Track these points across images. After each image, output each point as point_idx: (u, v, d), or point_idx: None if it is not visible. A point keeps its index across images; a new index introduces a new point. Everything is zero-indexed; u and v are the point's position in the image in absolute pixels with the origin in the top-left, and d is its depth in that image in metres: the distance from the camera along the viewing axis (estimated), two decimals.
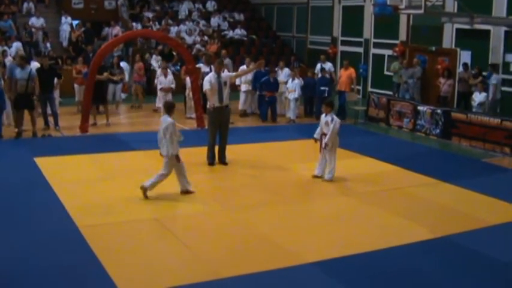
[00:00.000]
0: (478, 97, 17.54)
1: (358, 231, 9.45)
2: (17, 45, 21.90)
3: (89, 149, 14.37)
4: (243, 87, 19.45)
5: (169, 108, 10.94)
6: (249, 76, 18.84)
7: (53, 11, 27.72)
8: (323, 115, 12.20)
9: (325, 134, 11.96)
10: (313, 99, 19.29)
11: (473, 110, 17.25)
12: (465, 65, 19.28)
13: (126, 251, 8.31)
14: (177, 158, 10.69)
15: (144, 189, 10.63)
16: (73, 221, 9.31)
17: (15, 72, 15.21)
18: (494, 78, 18.31)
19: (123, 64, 20.91)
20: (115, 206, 10.22)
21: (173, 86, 18.89)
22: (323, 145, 11.94)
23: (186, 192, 10.86)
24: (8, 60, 18.96)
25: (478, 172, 13.65)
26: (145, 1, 29.59)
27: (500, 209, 10.77)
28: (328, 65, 21.10)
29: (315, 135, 12.22)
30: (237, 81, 18.60)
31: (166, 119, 10.69)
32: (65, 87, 18.72)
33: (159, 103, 19.23)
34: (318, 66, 21.13)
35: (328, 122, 11.90)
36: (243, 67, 18.85)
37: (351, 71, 19.94)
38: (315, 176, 12.20)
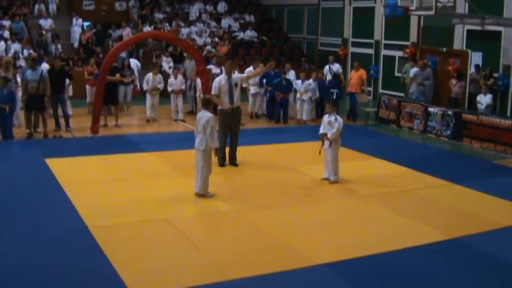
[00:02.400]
0: (483, 99, 17.46)
1: (369, 232, 9.44)
2: (15, 47, 22.00)
3: (100, 150, 14.42)
4: (252, 90, 19.42)
5: (206, 104, 11.05)
6: (257, 78, 18.80)
7: (64, 12, 27.82)
8: (326, 115, 12.18)
9: (326, 136, 11.93)
10: (324, 101, 19.22)
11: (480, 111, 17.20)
12: (477, 66, 19.22)
13: (137, 252, 8.33)
14: (216, 151, 10.85)
15: (201, 195, 10.79)
16: (84, 222, 9.35)
17: (26, 73, 15.33)
18: (412, 72, 20.17)
19: (133, 61, 20.88)
20: (125, 207, 10.24)
21: (183, 87, 18.89)
22: (327, 145, 11.91)
23: (201, 196, 10.88)
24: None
25: (489, 174, 13.58)
26: (156, 2, 29.67)
27: (511, 210, 10.71)
28: (336, 66, 21.05)
29: (321, 130, 12.14)
30: (244, 84, 18.54)
31: (205, 114, 10.77)
32: (75, 88, 18.78)
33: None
34: (326, 67, 21.09)
35: (331, 121, 11.88)
36: (250, 69, 18.85)
37: (362, 72, 19.91)
38: (325, 179, 12.19)
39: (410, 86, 20.21)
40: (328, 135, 11.84)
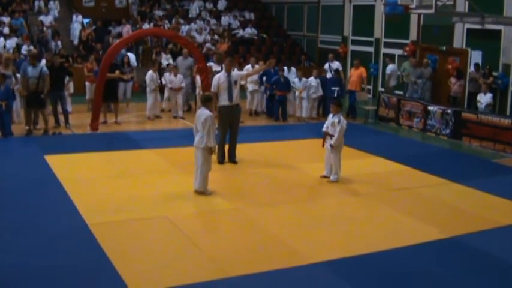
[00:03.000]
0: (483, 98, 17.45)
1: (368, 231, 9.44)
2: (10, 43, 21.96)
3: (99, 147, 14.42)
4: (250, 87, 19.39)
5: (206, 101, 11.02)
6: (256, 76, 18.75)
7: (64, 9, 27.81)
8: (330, 115, 12.16)
9: (329, 134, 11.92)
10: (325, 99, 19.18)
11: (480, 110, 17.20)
12: (476, 65, 19.21)
13: (136, 249, 8.33)
14: (211, 150, 10.79)
15: (201, 193, 10.79)
16: (83, 219, 9.35)
17: (28, 70, 15.35)
18: (388, 69, 21.54)
19: (130, 55, 20.82)
20: (125, 204, 10.25)
21: (183, 85, 18.88)
22: (328, 146, 11.89)
23: (200, 193, 10.88)
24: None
25: (488, 173, 13.60)
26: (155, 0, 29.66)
27: (510, 209, 10.72)
28: (336, 64, 21.04)
29: (324, 129, 12.12)
30: (242, 81, 18.48)
31: (204, 112, 10.74)
32: (75, 85, 18.77)
33: (165, 104, 19.33)
34: (326, 65, 21.09)
35: (335, 122, 11.85)
36: (248, 67, 18.83)
37: (362, 70, 19.88)
38: (324, 176, 12.18)
39: (389, 82, 21.40)
40: (332, 142, 11.80)
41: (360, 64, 20.13)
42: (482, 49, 19.69)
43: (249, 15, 30.68)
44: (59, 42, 23.92)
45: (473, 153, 15.46)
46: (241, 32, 28.80)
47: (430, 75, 20.41)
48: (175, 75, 18.71)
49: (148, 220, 9.55)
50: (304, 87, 18.86)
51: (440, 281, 7.68)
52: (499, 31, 18.89)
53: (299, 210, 10.35)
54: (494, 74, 18.70)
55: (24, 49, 21.49)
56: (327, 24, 28.24)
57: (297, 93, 19.09)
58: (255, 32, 29.03)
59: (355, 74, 19.88)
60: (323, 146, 12.06)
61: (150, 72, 18.52)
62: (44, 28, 24.39)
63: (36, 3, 26.46)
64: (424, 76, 20.25)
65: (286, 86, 18.89)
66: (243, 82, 18.20)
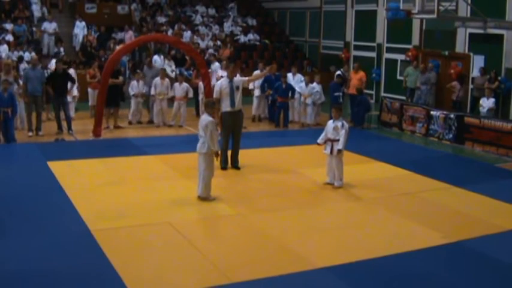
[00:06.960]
0: (486, 103, 17.42)
1: (371, 236, 9.42)
2: (3, 49, 22.03)
3: (102, 153, 14.43)
4: (256, 92, 19.36)
5: (208, 107, 11.09)
6: (261, 81, 18.73)
7: (67, 15, 27.87)
8: (331, 121, 12.13)
9: (330, 140, 11.90)
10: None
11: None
12: (482, 69, 19.17)
13: (139, 255, 8.33)
14: (216, 154, 10.84)
15: (204, 198, 10.80)
16: (86, 225, 9.35)
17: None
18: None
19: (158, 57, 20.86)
20: (128, 209, 10.24)
21: (190, 95, 18.57)
22: (335, 152, 11.84)
23: (203, 199, 10.88)
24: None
25: (491, 177, 13.57)
26: (158, 6, 29.68)
27: None
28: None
29: (318, 141, 12.15)
30: (250, 86, 18.43)
31: (206, 118, 10.81)
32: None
33: (132, 116, 18.66)
34: (338, 72, 20.87)
35: (338, 126, 11.83)
36: (257, 72, 18.82)
37: (361, 74, 19.84)
38: (327, 183, 12.14)
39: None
40: (341, 146, 11.77)
41: (360, 68, 20.09)
42: (485, 54, 19.68)
43: (252, 21, 30.71)
44: (62, 49, 23.92)
45: (476, 158, 15.44)
46: (243, 38, 28.83)
47: (435, 80, 20.38)
48: (180, 83, 18.43)
49: (151, 226, 9.55)
50: (310, 93, 18.80)
51: (445, 286, 7.66)
52: (501, 36, 18.90)
53: (302, 216, 10.34)
54: (499, 78, 18.67)
55: (27, 56, 21.52)
56: (329, 29, 28.28)
57: (302, 98, 19.05)
58: (258, 37, 29.07)
59: (355, 78, 19.83)
60: (331, 152, 11.95)
61: (156, 79, 18.36)
62: (46, 35, 24.42)
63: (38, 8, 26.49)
64: (430, 81, 20.21)
65: (287, 92, 18.75)
66: (251, 87, 18.22)
